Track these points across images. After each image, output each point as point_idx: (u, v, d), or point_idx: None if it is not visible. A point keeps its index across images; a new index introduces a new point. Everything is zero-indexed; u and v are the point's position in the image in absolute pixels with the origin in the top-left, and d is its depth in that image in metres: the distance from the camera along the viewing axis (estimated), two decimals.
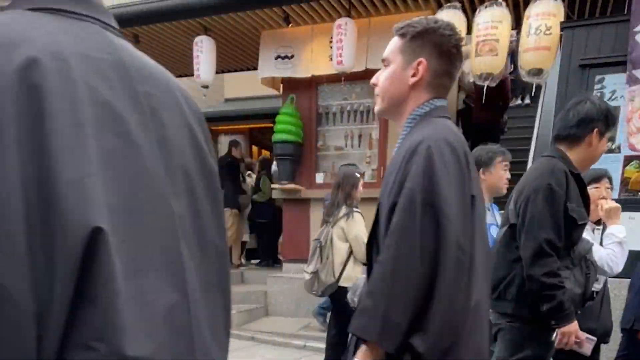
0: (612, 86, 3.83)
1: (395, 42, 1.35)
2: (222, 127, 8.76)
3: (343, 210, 3.35)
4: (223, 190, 0.72)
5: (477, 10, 4.24)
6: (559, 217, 1.86)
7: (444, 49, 1.30)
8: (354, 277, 3.26)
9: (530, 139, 5.70)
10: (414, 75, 1.30)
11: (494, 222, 2.74)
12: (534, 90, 5.21)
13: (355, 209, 3.35)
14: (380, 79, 1.36)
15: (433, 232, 1.17)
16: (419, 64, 1.29)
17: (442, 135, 1.22)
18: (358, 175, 3.44)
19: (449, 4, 4.32)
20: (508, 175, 2.72)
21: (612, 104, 3.83)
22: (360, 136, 5.67)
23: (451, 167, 1.20)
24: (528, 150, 5.53)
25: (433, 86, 1.32)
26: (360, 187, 3.40)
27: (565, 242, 1.88)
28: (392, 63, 1.33)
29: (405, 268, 1.17)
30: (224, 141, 8.83)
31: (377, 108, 1.39)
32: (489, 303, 1.39)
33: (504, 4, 4.12)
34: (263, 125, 8.22)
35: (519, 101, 7.90)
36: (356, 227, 3.30)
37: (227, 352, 0.67)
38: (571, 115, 1.93)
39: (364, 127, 5.64)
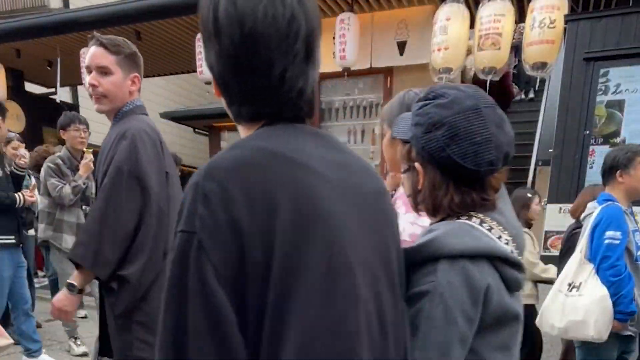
0: (617, 79, 3.80)
1: (107, 55, 1.77)
2: (225, 123, 8.77)
3: None
4: None
5: (481, 4, 4.21)
6: None
7: (142, 67, 1.87)
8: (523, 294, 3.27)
9: (533, 133, 5.68)
10: (133, 84, 1.82)
11: (637, 228, 2.46)
12: (537, 84, 5.17)
13: (523, 229, 3.35)
14: (103, 83, 1.77)
15: (139, 196, 1.66)
16: (135, 78, 1.82)
17: (142, 127, 1.74)
18: (530, 195, 3.38)
19: None
20: None
21: (617, 97, 3.80)
22: (363, 132, 5.66)
23: (149, 149, 1.70)
24: (532, 145, 5.52)
25: (138, 92, 1.87)
26: (534, 206, 3.35)
27: None
28: (113, 73, 1.77)
29: (112, 220, 1.65)
30: (227, 138, 8.83)
31: (101, 107, 1.83)
32: None
33: None
34: None
35: (522, 95, 7.86)
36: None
37: None
38: None
39: (366, 122, 5.63)
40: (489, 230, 0.89)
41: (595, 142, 3.89)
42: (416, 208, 0.99)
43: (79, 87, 6.59)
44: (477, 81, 5.55)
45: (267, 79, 0.72)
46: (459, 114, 0.86)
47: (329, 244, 0.69)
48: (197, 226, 0.65)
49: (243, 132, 0.81)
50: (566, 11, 3.93)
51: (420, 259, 0.85)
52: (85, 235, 1.72)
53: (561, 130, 4.01)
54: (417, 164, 0.92)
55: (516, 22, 4.51)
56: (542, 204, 4.20)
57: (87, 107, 7.78)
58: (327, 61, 5.19)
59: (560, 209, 4.00)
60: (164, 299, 0.69)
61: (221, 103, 0.86)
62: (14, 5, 7.05)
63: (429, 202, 0.93)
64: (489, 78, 4.21)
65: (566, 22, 3.89)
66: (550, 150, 4.27)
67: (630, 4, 4.05)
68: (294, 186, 0.68)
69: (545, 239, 4.08)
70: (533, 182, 5.09)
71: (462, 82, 6.53)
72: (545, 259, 4.08)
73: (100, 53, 1.76)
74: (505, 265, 0.86)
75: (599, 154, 3.88)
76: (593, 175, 3.89)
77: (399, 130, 0.97)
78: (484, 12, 4.11)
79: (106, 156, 1.75)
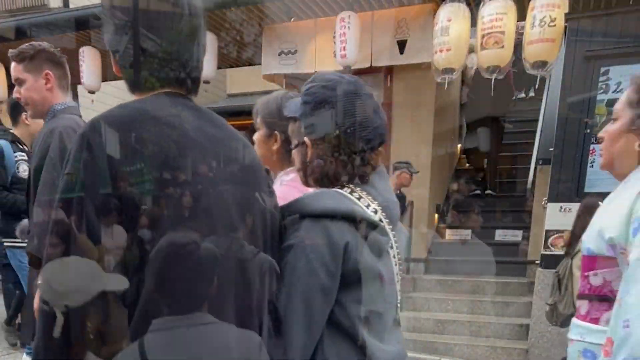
0: (618, 78, 3.79)
1: (16, 66, 1.84)
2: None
3: None
4: None
5: (482, 3, 4.20)
6: None
7: (56, 60, 1.90)
8: None
9: (534, 132, 5.67)
10: (47, 82, 1.87)
11: None
12: (537, 83, 5.16)
13: None
14: (22, 93, 1.87)
15: None
16: (47, 75, 1.86)
17: (69, 124, 1.81)
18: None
19: None
20: None
21: (617, 96, 3.78)
22: None
23: None
24: (532, 144, 5.50)
25: (61, 87, 1.91)
26: None
27: None
28: (25, 80, 1.85)
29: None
30: None
31: (30, 114, 1.95)
32: None
33: None
34: None
35: (522, 94, 7.85)
36: None
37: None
38: None
39: None
40: (359, 199, 1.02)
41: (595, 141, 3.88)
42: (306, 182, 1.11)
43: (79, 87, 6.58)
44: (477, 80, 5.55)
45: (157, 47, 0.88)
46: (341, 95, 1.02)
47: (190, 197, 0.82)
48: (80, 169, 0.79)
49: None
50: (567, 9, 3.92)
51: (290, 216, 0.99)
52: (39, 228, 1.79)
53: (561, 129, 4.01)
54: (306, 138, 1.06)
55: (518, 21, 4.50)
56: (543, 203, 4.19)
57: (87, 107, 7.76)
58: (328, 60, 5.18)
59: (561, 207, 3.99)
60: (48, 240, 0.81)
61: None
62: (14, 5, 7.05)
63: (316, 172, 1.05)
64: (493, 77, 4.20)
65: (567, 20, 3.88)
66: (551, 149, 4.26)
67: (631, 3, 4.04)
68: (166, 143, 0.82)
69: (546, 238, 4.07)
70: (533, 181, 5.07)
71: (462, 81, 6.53)
72: (547, 258, 4.07)
73: (13, 67, 1.87)
74: (366, 228, 0.97)
75: (599, 152, 3.87)
76: (593, 174, 3.88)
77: (290, 110, 1.12)
78: (486, 11, 4.10)
79: (35, 153, 1.85)
